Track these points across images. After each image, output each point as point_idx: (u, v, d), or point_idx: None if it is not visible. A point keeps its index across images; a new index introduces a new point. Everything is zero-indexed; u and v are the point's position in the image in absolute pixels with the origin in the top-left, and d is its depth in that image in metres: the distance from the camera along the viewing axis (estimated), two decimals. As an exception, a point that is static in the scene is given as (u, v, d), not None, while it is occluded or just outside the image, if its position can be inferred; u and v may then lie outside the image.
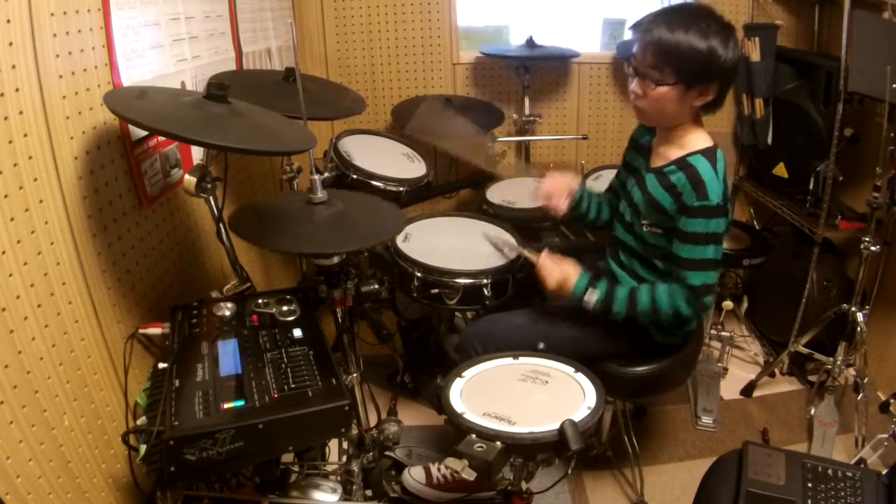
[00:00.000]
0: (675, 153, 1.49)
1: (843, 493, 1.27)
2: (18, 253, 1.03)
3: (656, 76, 1.41)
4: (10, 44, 1.01)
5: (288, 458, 1.37)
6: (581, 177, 2.56)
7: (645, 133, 1.65)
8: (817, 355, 2.22)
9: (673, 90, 1.40)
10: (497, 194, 2.37)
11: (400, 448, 1.84)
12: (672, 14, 1.39)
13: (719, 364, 2.45)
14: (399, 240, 1.91)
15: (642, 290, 1.52)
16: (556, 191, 1.76)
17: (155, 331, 1.35)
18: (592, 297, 1.54)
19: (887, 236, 2.23)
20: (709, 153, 1.44)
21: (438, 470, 1.75)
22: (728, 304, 2.44)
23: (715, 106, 1.47)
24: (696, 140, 1.48)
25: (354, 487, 1.45)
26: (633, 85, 1.47)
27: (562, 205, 1.76)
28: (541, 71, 2.81)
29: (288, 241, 1.31)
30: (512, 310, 1.75)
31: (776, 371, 2.46)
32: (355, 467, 1.47)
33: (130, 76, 1.35)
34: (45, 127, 1.10)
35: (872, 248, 2.00)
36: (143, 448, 1.02)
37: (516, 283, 1.83)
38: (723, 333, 2.47)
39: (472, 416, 1.18)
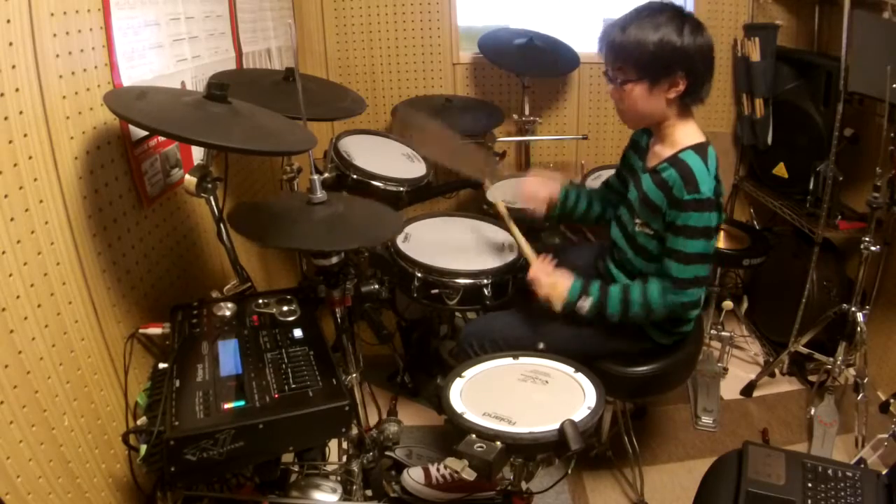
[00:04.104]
0: (667, 151, 1.50)
1: (843, 493, 1.27)
2: (18, 253, 1.03)
3: (621, 76, 1.46)
4: (10, 44, 1.01)
5: (288, 458, 1.36)
6: (580, 176, 2.56)
7: (643, 134, 1.65)
8: (817, 355, 2.23)
9: (639, 86, 1.44)
10: (497, 195, 2.36)
11: (400, 448, 1.84)
12: (627, 16, 1.44)
13: (719, 364, 2.45)
14: (399, 240, 1.91)
15: (634, 288, 1.51)
16: (536, 195, 1.78)
17: (155, 331, 1.35)
18: (586, 302, 1.53)
19: (887, 236, 2.22)
20: (699, 149, 1.45)
21: (437, 470, 1.76)
22: (728, 304, 2.44)
23: (694, 95, 1.46)
24: (687, 136, 1.48)
25: (354, 487, 1.45)
26: (610, 91, 1.52)
27: (539, 209, 1.78)
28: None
29: (286, 239, 1.30)
30: (511, 309, 1.75)
31: (776, 371, 2.46)
32: (355, 467, 1.47)
33: (130, 76, 1.35)
34: (45, 127, 1.10)
35: (872, 248, 2.00)
36: (143, 448, 1.02)
37: (516, 283, 1.83)
38: (723, 333, 2.47)
39: (472, 416, 1.18)
